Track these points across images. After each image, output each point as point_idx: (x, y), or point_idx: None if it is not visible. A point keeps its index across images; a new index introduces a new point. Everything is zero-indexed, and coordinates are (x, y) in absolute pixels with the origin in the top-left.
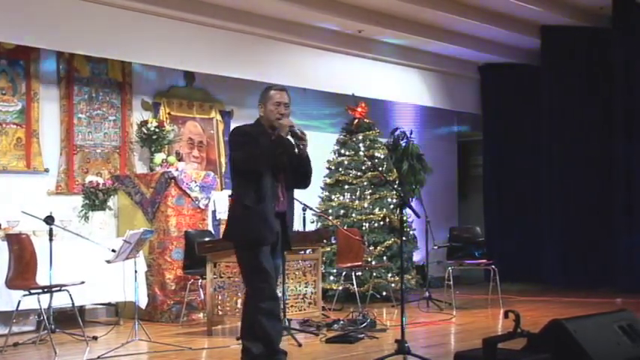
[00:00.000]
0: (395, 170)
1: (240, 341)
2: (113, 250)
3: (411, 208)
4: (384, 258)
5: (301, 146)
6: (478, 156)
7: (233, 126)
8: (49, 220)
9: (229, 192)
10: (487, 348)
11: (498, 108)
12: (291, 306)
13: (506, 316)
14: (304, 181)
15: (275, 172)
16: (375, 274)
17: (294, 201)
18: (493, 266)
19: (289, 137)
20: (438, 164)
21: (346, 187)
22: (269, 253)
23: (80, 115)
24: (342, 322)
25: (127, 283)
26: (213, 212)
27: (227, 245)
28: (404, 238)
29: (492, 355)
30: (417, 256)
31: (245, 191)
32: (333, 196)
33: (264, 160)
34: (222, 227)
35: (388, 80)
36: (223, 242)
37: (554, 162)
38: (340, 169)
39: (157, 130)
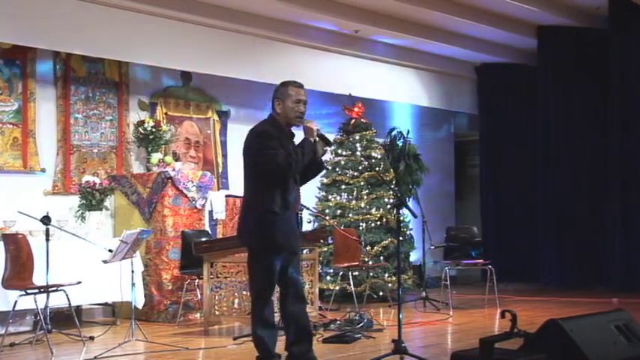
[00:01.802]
0: (392, 170)
1: (236, 341)
2: (110, 250)
3: (407, 208)
4: (381, 258)
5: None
6: (475, 156)
7: (230, 126)
8: (46, 220)
9: (226, 192)
10: (484, 348)
11: (495, 108)
12: None
13: (502, 315)
14: (309, 180)
15: (295, 175)
16: (371, 274)
17: None
18: (490, 266)
19: (317, 140)
20: (434, 164)
21: (343, 187)
22: (281, 261)
23: (77, 115)
24: (338, 322)
25: (123, 283)
26: (210, 212)
27: (224, 245)
28: (401, 238)
29: (489, 355)
30: (414, 256)
31: (270, 196)
32: (330, 196)
33: (298, 166)
34: (220, 227)
35: (385, 80)
36: (220, 242)
37: (550, 161)
38: (337, 169)
39: (153, 130)
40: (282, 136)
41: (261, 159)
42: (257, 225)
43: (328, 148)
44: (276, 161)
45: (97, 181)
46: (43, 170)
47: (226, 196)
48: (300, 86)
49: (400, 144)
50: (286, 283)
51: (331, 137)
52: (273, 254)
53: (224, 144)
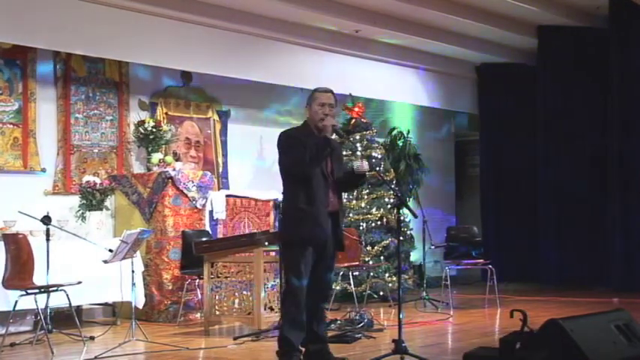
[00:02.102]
0: (392, 170)
1: (236, 341)
2: (110, 250)
3: (408, 207)
4: (382, 258)
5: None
6: (475, 156)
7: (230, 126)
8: (46, 220)
9: (227, 192)
10: (504, 347)
11: (495, 108)
12: None
13: (511, 315)
14: (351, 190)
15: (325, 173)
16: (372, 273)
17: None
18: (490, 266)
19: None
20: (435, 164)
21: None
22: (310, 258)
23: (77, 115)
24: (339, 321)
25: (124, 283)
26: (211, 212)
27: (224, 245)
28: (401, 238)
29: (510, 355)
30: (415, 256)
31: (296, 193)
32: None
33: (311, 164)
34: (220, 227)
35: (385, 80)
36: (220, 242)
37: (550, 161)
38: None
39: (154, 130)
40: (309, 139)
41: (283, 159)
42: (284, 220)
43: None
44: (294, 160)
45: (98, 181)
46: (43, 170)
47: (227, 195)
48: (326, 91)
49: (400, 144)
50: (314, 280)
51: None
52: (298, 248)
53: (224, 144)
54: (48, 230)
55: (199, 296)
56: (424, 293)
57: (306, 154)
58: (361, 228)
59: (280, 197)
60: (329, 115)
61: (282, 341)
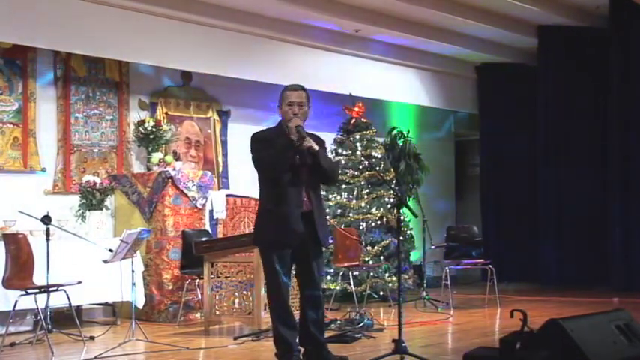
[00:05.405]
0: (392, 170)
1: (236, 341)
2: (110, 250)
3: (408, 207)
4: (382, 258)
5: (302, 144)
6: (475, 155)
7: (230, 125)
8: (46, 219)
9: (227, 191)
10: (505, 347)
11: (495, 107)
12: None
13: (511, 315)
14: (327, 179)
15: (297, 172)
16: (372, 273)
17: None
18: (490, 266)
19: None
20: (435, 164)
21: (343, 186)
22: (287, 258)
23: (77, 115)
24: (339, 321)
25: (124, 282)
26: (211, 212)
27: (224, 245)
28: (401, 238)
29: (511, 354)
30: (415, 256)
31: (266, 194)
32: (330, 196)
33: (278, 165)
34: (220, 227)
35: (385, 80)
36: (220, 242)
37: (550, 161)
38: None
39: (154, 129)
40: (281, 139)
41: (254, 161)
42: (255, 222)
43: (301, 142)
44: (261, 161)
45: (98, 180)
46: (43, 170)
47: (227, 195)
48: (294, 89)
49: (400, 143)
50: (299, 282)
51: (331, 137)
52: (267, 250)
53: (224, 144)
54: (48, 230)
55: (199, 296)
56: (424, 293)
57: (270, 156)
58: (361, 228)
59: None
60: (298, 114)
61: (278, 341)
